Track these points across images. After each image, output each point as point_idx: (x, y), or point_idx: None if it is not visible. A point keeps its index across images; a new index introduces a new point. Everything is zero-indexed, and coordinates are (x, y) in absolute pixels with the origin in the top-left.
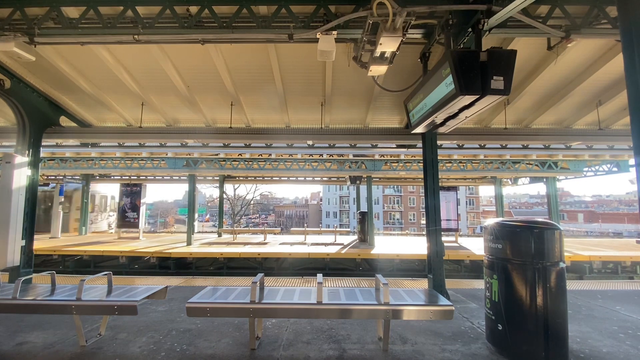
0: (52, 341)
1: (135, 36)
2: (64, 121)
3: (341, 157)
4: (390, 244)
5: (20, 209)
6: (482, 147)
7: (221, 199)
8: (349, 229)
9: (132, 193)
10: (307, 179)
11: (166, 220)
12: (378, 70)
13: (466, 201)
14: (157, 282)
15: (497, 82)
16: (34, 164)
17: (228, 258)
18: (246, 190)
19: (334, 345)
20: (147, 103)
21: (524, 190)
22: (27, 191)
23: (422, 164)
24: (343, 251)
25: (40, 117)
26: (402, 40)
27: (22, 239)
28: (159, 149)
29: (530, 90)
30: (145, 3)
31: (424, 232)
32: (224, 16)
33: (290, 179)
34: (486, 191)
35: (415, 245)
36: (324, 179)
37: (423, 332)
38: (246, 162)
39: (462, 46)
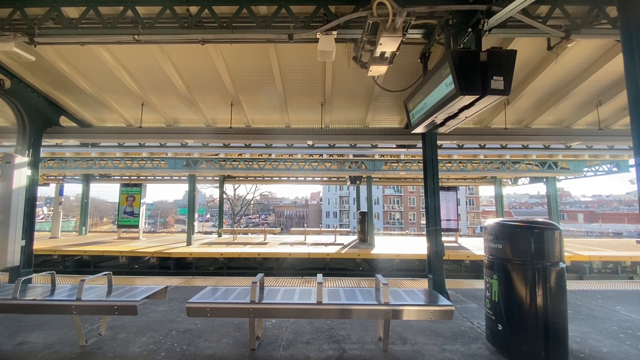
0: (52, 341)
1: (135, 36)
2: (64, 121)
3: (341, 157)
4: (390, 244)
5: (20, 209)
6: (482, 147)
7: (221, 199)
8: (349, 229)
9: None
10: (307, 179)
11: (166, 220)
12: (378, 70)
13: (466, 201)
14: (157, 282)
15: (497, 82)
16: (34, 164)
17: (228, 258)
18: (246, 190)
19: (334, 346)
20: (147, 103)
21: (524, 190)
22: (27, 191)
23: (422, 164)
24: (343, 251)
25: (40, 117)
26: (402, 40)
27: (22, 239)
28: (159, 149)
29: (530, 90)
30: (145, 3)
31: (424, 232)
32: (224, 16)
33: (290, 179)
34: (486, 191)
35: (415, 246)
36: (324, 179)
37: (423, 332)
38: (246, 162)
39: (462, 46)
